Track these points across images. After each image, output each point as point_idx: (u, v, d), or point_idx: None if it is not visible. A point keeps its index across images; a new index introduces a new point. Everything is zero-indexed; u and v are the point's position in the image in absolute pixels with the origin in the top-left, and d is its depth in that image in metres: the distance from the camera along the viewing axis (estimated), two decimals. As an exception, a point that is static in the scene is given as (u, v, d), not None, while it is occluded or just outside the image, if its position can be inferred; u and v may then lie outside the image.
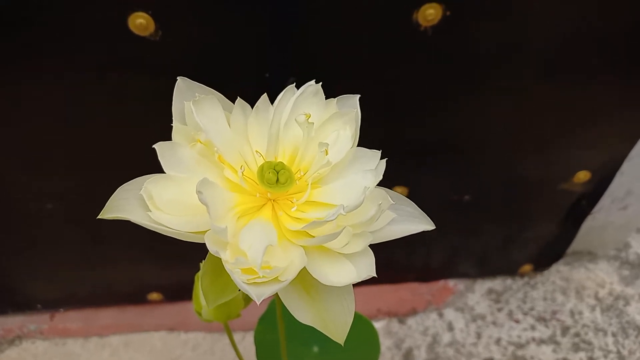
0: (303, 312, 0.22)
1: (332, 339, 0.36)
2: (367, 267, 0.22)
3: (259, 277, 0.20)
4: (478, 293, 0.71)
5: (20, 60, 0.40)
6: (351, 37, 0.41)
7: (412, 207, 0.25)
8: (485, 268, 0.71)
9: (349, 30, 0.41)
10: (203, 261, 0.29)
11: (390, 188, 0.59)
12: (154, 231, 0.65)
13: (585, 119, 0.51)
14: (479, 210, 0.60)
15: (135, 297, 0.67)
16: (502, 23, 0.42)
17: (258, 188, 0.23)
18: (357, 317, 0.37)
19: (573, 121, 0.51)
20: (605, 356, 0.65)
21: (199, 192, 0.20)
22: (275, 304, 0.37)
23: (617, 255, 0.74)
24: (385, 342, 0.66)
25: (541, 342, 0.66)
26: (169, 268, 0.64)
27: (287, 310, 0.31)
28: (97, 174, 0.50)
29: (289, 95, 0.24)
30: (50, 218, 0.53)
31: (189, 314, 0.68)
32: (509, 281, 0.72)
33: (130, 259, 0.61)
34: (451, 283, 0.71)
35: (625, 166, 0.59)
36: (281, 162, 0.22)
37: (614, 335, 0.67)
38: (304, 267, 0.22)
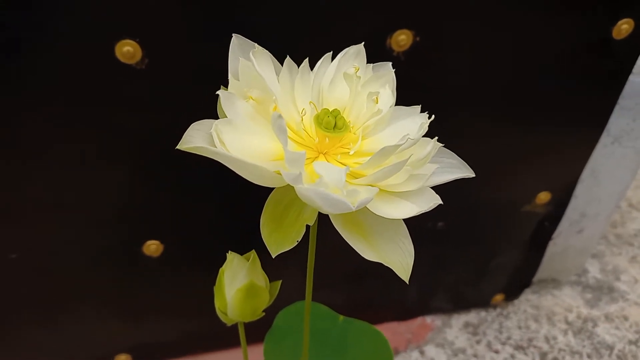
0: (367, 254, 0.22)
1: (341, 354, 0.36)
2: (429, 199, 0.23)
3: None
4: (455, 327, 0.71)
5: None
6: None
7: (453, 158, 0.26)
8: (460, 301, 0.71)
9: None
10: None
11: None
12: (123, 285, 0.61)
13: (543, 143, 0.55)
14: (452, 238, 0.61)
15: (100, 361, 0.61)
16: (465, 52, 0.46)
17: (313, 138, 0.24)
18: (367, 329, 0.36)
19: (533, 145, 0.55)
20: (584, 377, 0.66)
21: (278, 117, 0.20)
22: (278, 321, 0.35)
23: (578, 280, 0.78)
24: (370, 385, 0.64)
25: (523, 369, 0.67)
26: (139, 326, 0.60)
27: (298, 322, 0.31)
28: (68, 220, 0.48)
29: (328, 61, 0.26)
30: (14, 270, 0.49)
31: (161, 375, 0.63)
32: (483, 313, 0.73)
33: (98, 316, 0.57)
34: (428, 319, 0.71)
35: (578, 189, 0.64)
36: (337, 109, 0.23)
37: (589, 356, 0.68)
38: (362, 217, 0.22)
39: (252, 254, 0.28)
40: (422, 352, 0.68)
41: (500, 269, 0.68)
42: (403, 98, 0.49)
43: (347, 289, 0.65)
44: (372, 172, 0.22)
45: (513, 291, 0.72)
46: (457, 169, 0.26)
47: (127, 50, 0.38)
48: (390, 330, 0.69)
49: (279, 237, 0.23)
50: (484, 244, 0.64)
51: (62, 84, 0.40)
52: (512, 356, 0.68)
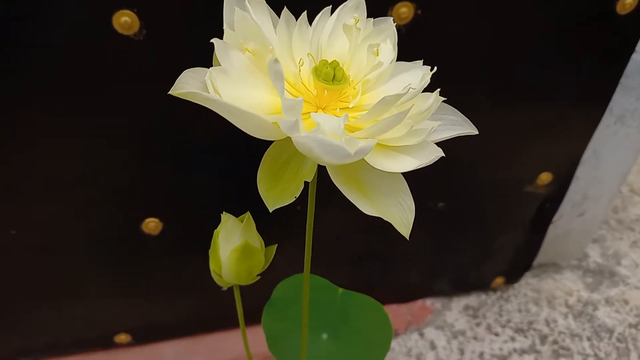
0: (367, 209, 0.22)
1: (340, 326, 0.35)
2: (431, 153, 0.22)
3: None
4: (455, 310, 0.71)
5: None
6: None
7: (456, 115, 0.26)
8: (460, 285, 0.71)
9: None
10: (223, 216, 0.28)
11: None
12: (122, 264, 0.61)
13: (544, 122, 0.55)
14: (453, 219, 0.61)
15: (100, 340, 0.61)
16: (467, 26, 0.46)
17: (311, 92, 0.23)
18: (367, 301, 0.36)
19: (534, 124, 0.55)
20: (584, 360, 0.66)
21: (274, 62, 0.20)
22: (277, 292, 0.35)
23: (579, 264, 0.77)
24: (370, 366, 0.64)
25: (523, 352, 0.66)
26: (139, 306, 0.60)
27: (297, 294, 0.30)
28: (68, 197, 0.48)
29: (327, 15, 0.25)
30: (13, 246, 0.49)
31: (161, 355, 0.63)
32: (483, 296, 0.72)
33: (98, 295, 0.57)
34: (428, 302, 0.71)
35: (580, 170, 0.63)
36: (336, 61, 0.23)
37: (589, 339, 0.68)
38: (362, 173, 0.22)
39: (247, 215, 0.28)
40: (421, 334, 0.68)
41: (501, 252, 0.68)
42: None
43: (347, 270, 0.65)
44: (372, 124, 0.22)
45: (514, 274, 0.72)
46: (460, 126, 0.25)
47: (125, 20, 0.38)
48: (390, 312, 0.68)
49: (277, 193, 0.23)
50: (484, 226, 0.64)
51: (59, 55, 0.39)
52: (512, 339, 0.68)
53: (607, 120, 0.59)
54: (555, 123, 0.55)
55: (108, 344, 0.62)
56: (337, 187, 0.59)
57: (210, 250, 0.29)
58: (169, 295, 0.60)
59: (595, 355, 0.66)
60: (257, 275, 0.29)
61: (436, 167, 0.61)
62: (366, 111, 0.22)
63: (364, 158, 0.21)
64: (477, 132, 0.25)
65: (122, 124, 0.45)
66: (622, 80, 0.55)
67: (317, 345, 0.34)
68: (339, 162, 0.20)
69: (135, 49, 0.39)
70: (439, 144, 0.25)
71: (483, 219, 0.63)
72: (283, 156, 0.23)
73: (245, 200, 0.46)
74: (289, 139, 0.21)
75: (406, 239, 0.67)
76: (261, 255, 0.28)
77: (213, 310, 0.63)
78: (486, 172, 0.58)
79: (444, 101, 0.25)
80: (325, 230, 0.59)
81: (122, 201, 0.50)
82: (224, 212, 0.28)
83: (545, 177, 0.60)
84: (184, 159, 0.49)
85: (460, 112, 0.52)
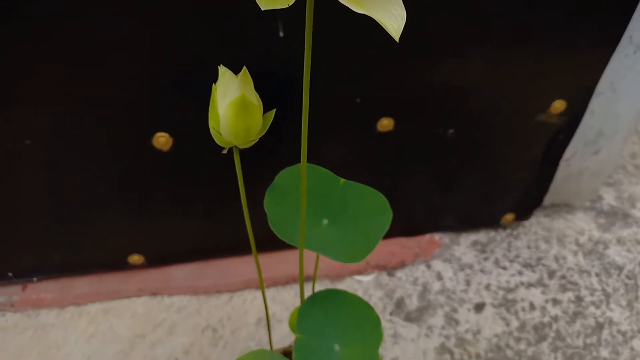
0: (359, 10, 0.22)
1: (341, 212, 0.36)
2: None
3: None
4: (463, 245, 0.71)
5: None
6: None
7: None
8: (468, 220, 0.71)
9: None
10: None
11: (376, 119, 0.60)
12: (134, 180, 0.61)
13: (557, 46, 0.54)
14: (463, 148, 0.61)
15: (115, 261, 0.63)
16: None
17: None
18: (367, 191, 0.36)
19: (547, 48, 0.54)
20: (591, 294, 0.66)
21: None
22: (279, 179, 0.36)
23: (592, 206, 0.77)
24: (376, 294, 0.65)
25: (530, 285, 0.67)
26: (151, 226, 0.61)
27: (298, 181, 0.31)
28: (82, 109, 0.49)
29: None
30: (27, 158, 0.51)
31: (173, 277, 0.65)
32: (492, 233, 0.72)
33: (111, 213, 0.59)
34: (437, 236, 0.71)
35: (595, 103, 0.62)
36: None
37: (597, 275, 0.68)
38: None
39: (243, 69, 0.28)
40: (428, 266, 0.68)
41: (512, 186, 0.68)
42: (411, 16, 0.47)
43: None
44: None
45: (524, 210, 0.71)
46: None
47: None
48: (398, 244, 0.70)
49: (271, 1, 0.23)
50: (495, 157, 0.64)
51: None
52: (520, 273, 0.68)
53: (625, 49, 0.57)
54: (568, 47, 0.54)
55: (121, 265, 0.64)
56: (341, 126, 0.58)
57: (209, 107, 0.29)
58: (181, 217, 0.62)
59: (603, 290, 0.66)
60: (254, 139, 0.29)
61: (447, 90, 0.60)
62: None
63: None
64: None
65: (132, 40, 0.45)
66: (643, 4, 0.53)
67: (318, 229, 0.35)
68: None
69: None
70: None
71: (494, 149, 0.62)
72: None
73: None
74: None
75: (414, 178, 0.64)
76: (259, 113, 0.29)
77: (224, 236, 0.64)
78: (498, 97, 0.57)
79: None
80: (331, 161, 0.59)
81: (133, 114, 0.50)
82: (220, 65, 0.28)
83: (558, 105, 0.58)
84: (193, 74, 0.49)
85: (472, 35, 0.51)
